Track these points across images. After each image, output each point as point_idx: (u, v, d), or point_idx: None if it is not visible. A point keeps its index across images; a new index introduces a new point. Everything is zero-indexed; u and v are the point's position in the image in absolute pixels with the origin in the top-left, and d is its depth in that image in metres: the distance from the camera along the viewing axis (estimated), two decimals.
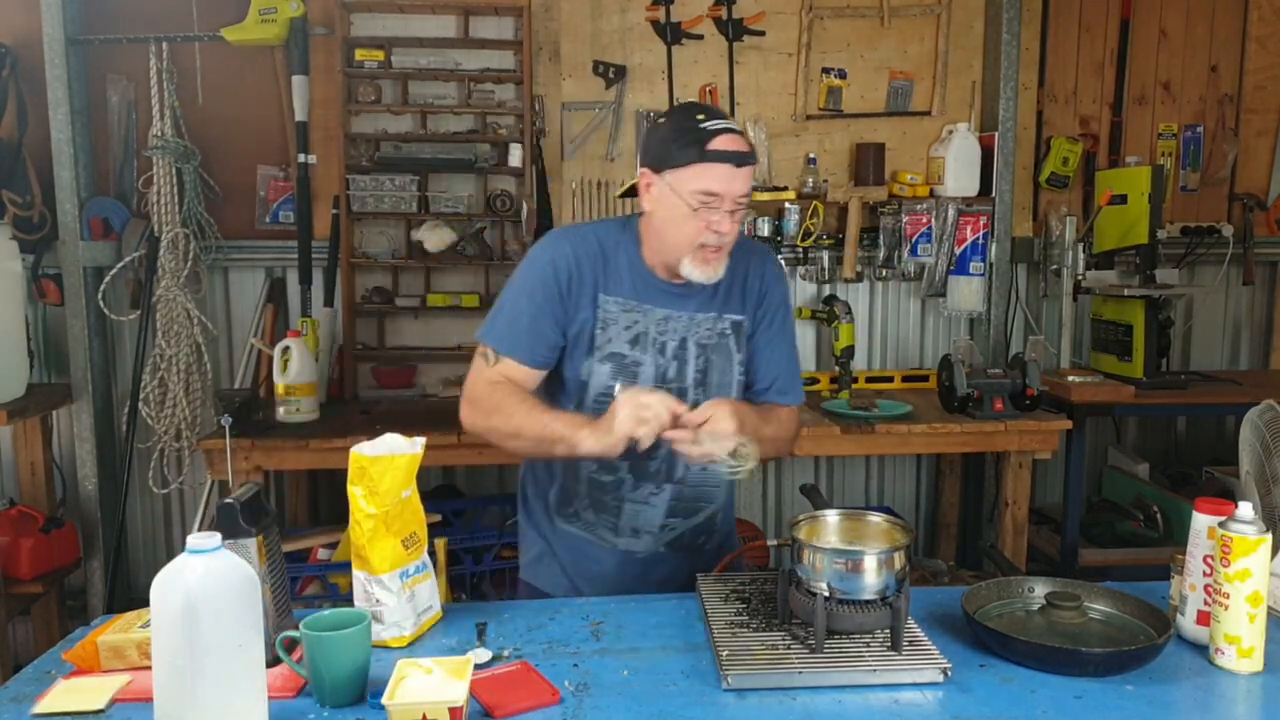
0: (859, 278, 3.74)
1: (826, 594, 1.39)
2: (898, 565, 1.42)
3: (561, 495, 1.85)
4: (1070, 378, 3.34)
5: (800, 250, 3.64)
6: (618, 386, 1.71)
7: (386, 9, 3.47)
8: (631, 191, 1.79)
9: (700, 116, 1.67)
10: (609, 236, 1.80)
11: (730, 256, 1.77)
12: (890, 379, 3.71)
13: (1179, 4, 3.83)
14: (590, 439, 1.59)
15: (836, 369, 3.57)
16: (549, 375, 1.80)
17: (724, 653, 1.37)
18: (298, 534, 3.14)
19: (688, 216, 1.66)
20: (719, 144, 1.64)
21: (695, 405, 1.73)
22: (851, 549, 1.45)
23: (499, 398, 1.70)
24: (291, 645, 1.34)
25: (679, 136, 1.66)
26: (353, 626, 1.30)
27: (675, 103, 3.62)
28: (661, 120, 1.74)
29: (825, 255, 3.66)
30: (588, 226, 1.85)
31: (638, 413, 1.54)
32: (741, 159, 1.65)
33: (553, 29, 3.59)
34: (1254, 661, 1.37)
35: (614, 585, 1.80)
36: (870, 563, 1.40)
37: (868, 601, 1.40)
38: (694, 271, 1.71)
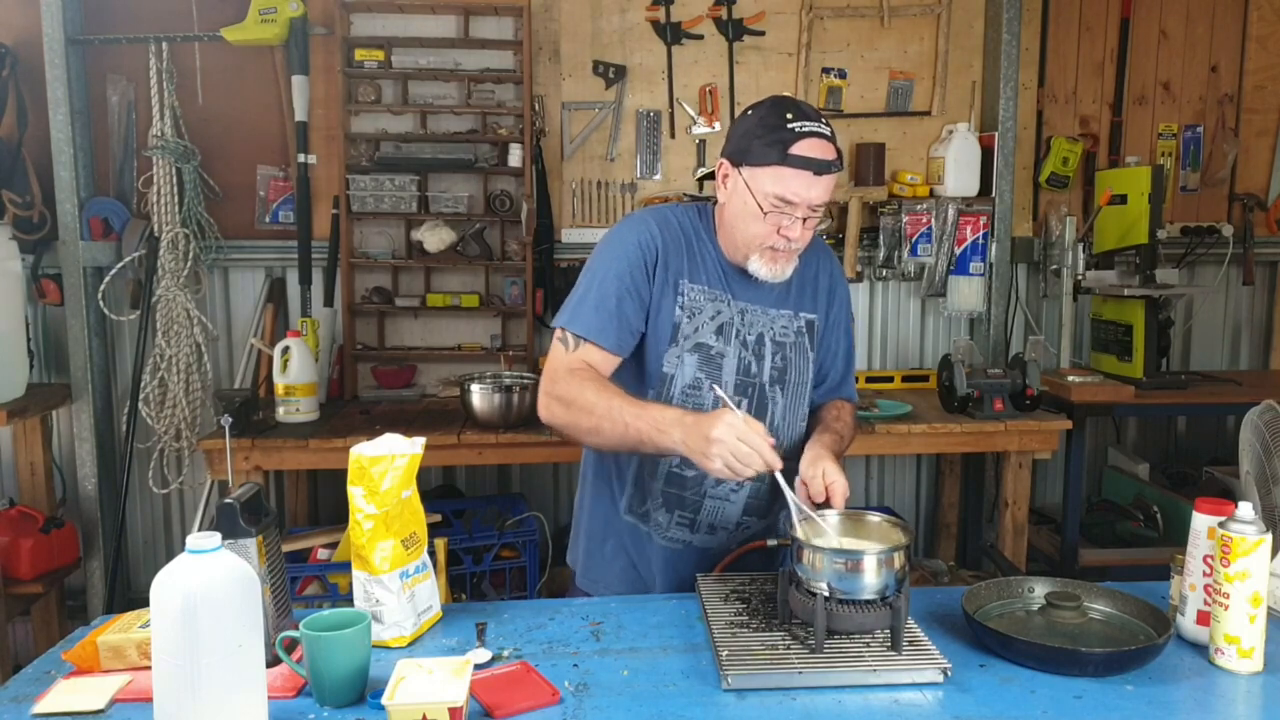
0: (859, 277, 3.74)
1: (826, 594, 1.39)
2: (898, 565, 1.41)
3: (635, 492, 1.80)
4: (1070, 378, 3.34)
5: None
6: (714, 391, 1.65)
7: (386, 9, 3.47)
8: (711, 175, 1.77)
9: (789, 115, 1.60)
10: (689, 221, 1.76)
11: (801, 255, 1.75)
12: (890, 379, 3.71)
13: (1179, 4, 3.83)
14: (681, 448, 1.52)
15: None
16: (631, 365, 1.74)
17: (724, 653, 1.37)
18: (298, 534, 3.14)
19: (759, 217, 1.63)
20: (802, 148, 1.58)
21: (773, 403, 1.74)
22: (851, 549, 1.45)
23: (577, 389, 1.62)
24: (291, 645, 1.34)
25: (763, 134, 1.60)
26: (353, 626, 1.30)
27: (675, 103, 3.63)
28: (750, 112, 1.66)
29: None
30: (667, 209, 1.79)
31: (734, 463, 1.47)
32: (823, 167, 1.59)
33: (553, 29, 3.59)
34: (1254, 661, 1.37)
35: (685, 584, 1.75)
36: (870, 563, 1.40)
37: (868, 601, 1.40)
38: (761, 269, 1.69)
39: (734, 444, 1.46)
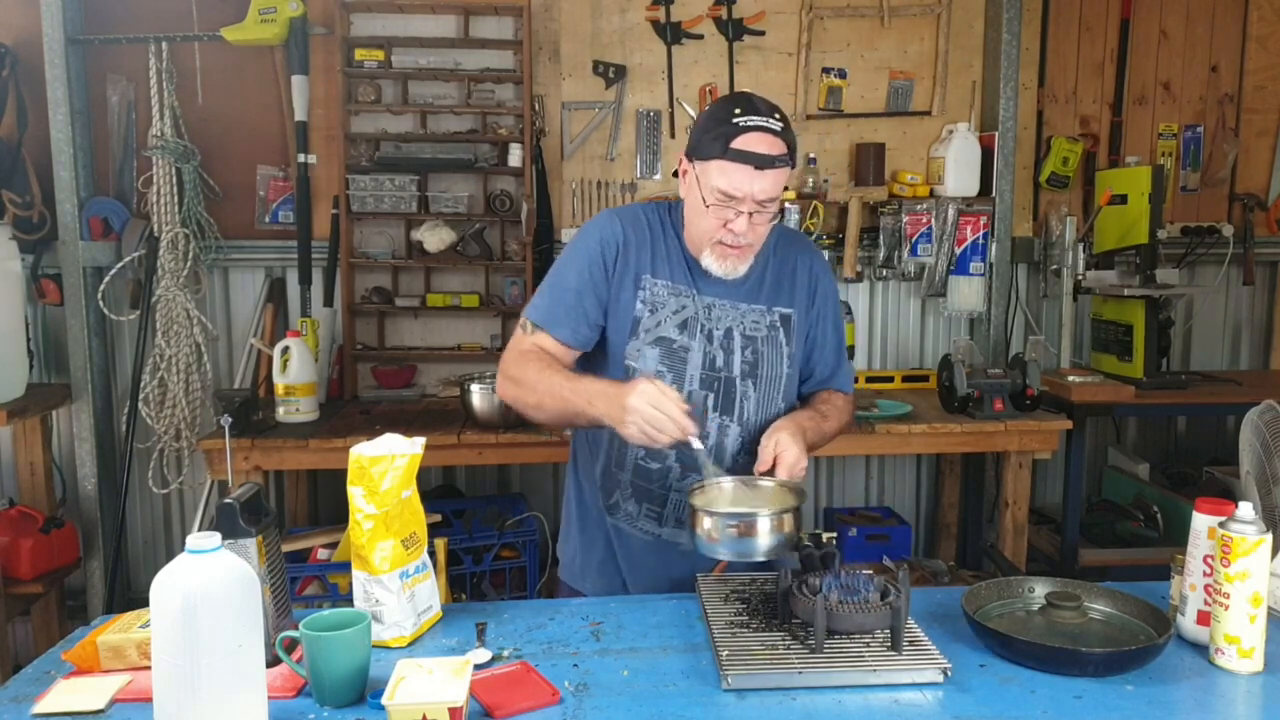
0: (859, 277, 3.74)
1: (724, 557, 1.53)
2: (787, 528, 1.50)
3: (605, 483, 1.82)
4: (1070, 378, 3.34)
5: None
6: (641, 371, 1.70)
7: (386, 9, 3.47)
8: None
9: (737, 110, 1.61)
10: (657, 218, 1.79)
11: (778, 249, 1.77)
12: (890, 379, 3.71)
13: (1179, 4, 3.83)
14: (605, 418, 1.57)
15: None
16: (596, 359, 1.78)
17: (724, 653, 1.37)
18: (298, 534, 3.14)
19: (705, 211, 1.65)
20: (743, 143, 1.59)
21: (744, 397, 1.75)
22: (725, 510, 1.54)
23: (523, 368, 1.70)
24: (291, 645, 1.34)
25: (711, 128, 1.63)
26: (353, 626, 1.30)
27: (675, 103, 3.63)
28: (707, 108, 1.71)
29: (825, 255, 3.66)
30: (639, 207, 1.82)
31: (648, 429, 1.52)
32: (765, 161, 1.59)
33: (553, 29, 3.59)
34: (1254, 661, 1.37)
35: (658, 579, 1.77)
36: (763, 525, 1.49)
37: (868, 602, 1.40)
38: (713, 265, 1.70)
39: (647, 411, 1.51)
